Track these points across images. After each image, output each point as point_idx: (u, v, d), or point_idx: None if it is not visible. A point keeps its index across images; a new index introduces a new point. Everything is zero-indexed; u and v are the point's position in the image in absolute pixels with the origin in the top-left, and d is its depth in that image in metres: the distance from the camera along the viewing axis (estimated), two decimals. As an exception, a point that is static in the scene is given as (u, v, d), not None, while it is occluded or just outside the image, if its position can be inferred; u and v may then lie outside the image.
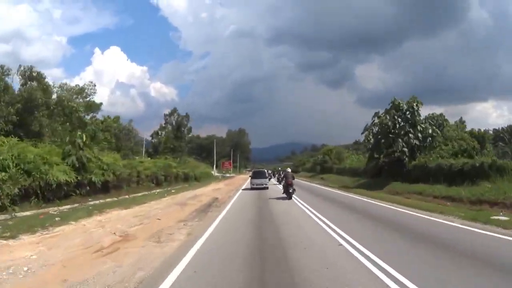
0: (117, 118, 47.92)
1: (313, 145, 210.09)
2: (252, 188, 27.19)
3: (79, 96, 38.78)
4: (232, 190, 29.44)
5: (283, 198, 20.64)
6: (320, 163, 66.29)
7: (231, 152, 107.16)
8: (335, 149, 67.44)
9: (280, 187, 26.06)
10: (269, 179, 37.22)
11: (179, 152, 66.05)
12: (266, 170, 36.38)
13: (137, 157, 37.96)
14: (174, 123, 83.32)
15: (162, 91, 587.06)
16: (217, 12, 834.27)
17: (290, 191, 20.42)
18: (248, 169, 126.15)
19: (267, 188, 27.42)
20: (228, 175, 64.74)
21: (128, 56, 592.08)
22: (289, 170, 23.23)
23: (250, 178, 30.22)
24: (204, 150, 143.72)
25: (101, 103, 41.46)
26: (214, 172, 63.70)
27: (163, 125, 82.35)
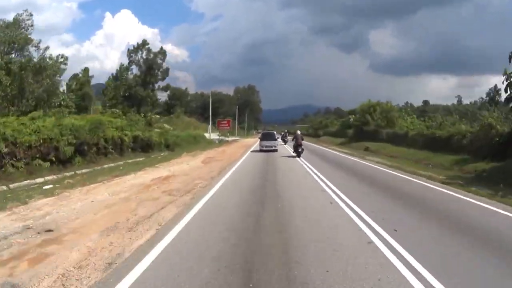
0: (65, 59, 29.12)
1: (327, 108, 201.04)
2: (261, 150, 26.79)
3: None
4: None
5: (293, 157, 23.67)
6: (357, 124, 45.83)
7: (236, 110, 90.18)
8: (381, 106, 44.07)
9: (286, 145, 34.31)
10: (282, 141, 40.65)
11: (148, 106, 48.84)
12: (275, 132, 33.11)
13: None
14: (142, 63, 54.96)
15: (173, 53, 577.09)
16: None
17: (300, 150, 23.59)
18: (259, 130, 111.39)
19: (276, 150, 26.93)
20: (228, 139, 48.27)
21: (139, 19, 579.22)
22: (299, 132, 25.91)
23: (259, 140, 29.35)
24: (208, 110, 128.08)
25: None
26: (210, 135, 47.70)
27: (127, 65, 52.99)
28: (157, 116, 47.19)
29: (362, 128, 42.69)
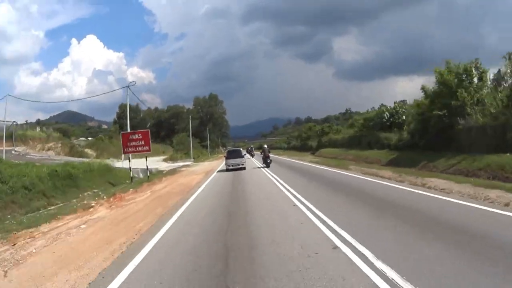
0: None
1: (297, 118, 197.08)
2: (227, 170, 23.99)
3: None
4: None
5: (262, 167, 25.27)
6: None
7: (189, 121, 68.84)
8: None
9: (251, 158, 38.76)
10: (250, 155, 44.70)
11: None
12: (241, 149, 29.87)
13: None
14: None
15: (139, 75, 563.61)
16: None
17: (268, 161, 25.52)
18: (228, 148, 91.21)
19: (244, 168, 24.13)
20: (165, 167, 26.99)
21: (104, 43, 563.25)
22: (265, 146, 29.28)
23: (225, 158, 26.60)
24: (163, 127, 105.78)
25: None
26: (127, 163, 26.23)
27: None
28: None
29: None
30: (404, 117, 26.75)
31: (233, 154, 26.15)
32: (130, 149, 20.36)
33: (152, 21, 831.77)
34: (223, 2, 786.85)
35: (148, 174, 22.62)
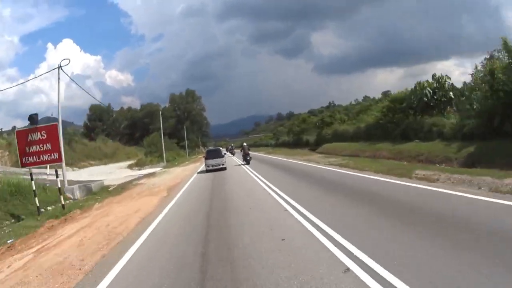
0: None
1: (278, 113, 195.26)
2: (207, 171, 22.57)
3: None
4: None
5: (243, 164, 25.61)
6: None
7: (159, 117, 58.84)
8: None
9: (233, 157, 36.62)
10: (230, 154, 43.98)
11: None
12: (220, 148, 29.18)
13: None
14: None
15: (118, 78, 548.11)
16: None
17: (248, 158, 26.20)
18: (210, 147, 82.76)
19: (225, 168, 22.66)
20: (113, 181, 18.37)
21: (81, 47, 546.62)
22: (245, 144, 29.40)
23: (204, 159, 24.92)
24: (138, 128, 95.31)
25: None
26: (49, 172, 17.31)
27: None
28: None
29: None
30: (451, 93, 19.00)
31: (213, 154, 24.63)
32: (31, 159, 11.49)
33: (128, 22, 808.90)
34: (199, 0, 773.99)
35: (76, 197, 13.77)
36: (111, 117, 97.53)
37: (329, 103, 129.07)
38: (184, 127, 75.75)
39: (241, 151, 33.32)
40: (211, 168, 22.82)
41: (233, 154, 47.02)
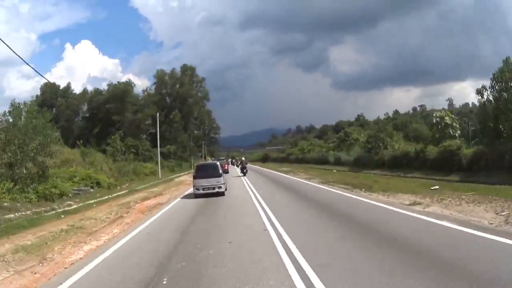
0: None
1: (298, 126, 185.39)
2: (195, 196, 16.16)
3: None
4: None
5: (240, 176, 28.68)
6: None
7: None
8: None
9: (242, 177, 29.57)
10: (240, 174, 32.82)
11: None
12: (217, 163, 20.04)
13: None
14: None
15: (135, 82, 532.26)
16: (186, 0, 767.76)
17: (245, 171, 29.93)
18: (221, 158, 62.68)
19: (223, 194, 16.30)
20: None
21: (99, 49, 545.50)
22: (243, 158, 35.18)
23: (193, 178, 18.52)
24: (100, 119, 59.85)
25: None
26: None
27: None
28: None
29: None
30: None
31: (206, 171, 17.67)
32: None
33: (148, 28, 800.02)
34: (220, 9, 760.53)
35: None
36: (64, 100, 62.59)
37: (358, 115, 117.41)
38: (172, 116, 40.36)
39: (238, 165, 40.38)
40: (201, 191, 16.32)
41: (243, 171, 30.82)
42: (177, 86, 58.44)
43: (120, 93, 52.40)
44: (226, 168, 31.63)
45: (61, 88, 65.09)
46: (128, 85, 53.95)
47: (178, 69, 63.72)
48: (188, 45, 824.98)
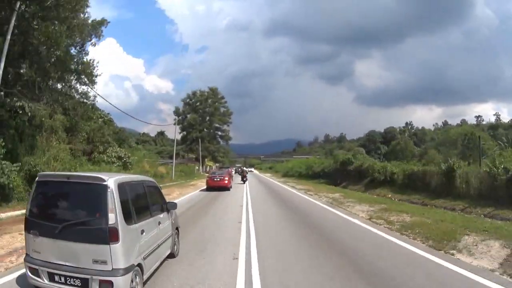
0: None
1: (326, 135, 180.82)
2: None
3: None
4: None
5: (241, 183, 32.47)
6: None
7: None
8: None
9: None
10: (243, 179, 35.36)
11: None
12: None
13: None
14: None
15: (157, 84, 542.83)
16: (213, 4, 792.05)
17: (244, 179, 33.95)
18: (238, 165, 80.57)
19: None
20: None
21: (124, 48, 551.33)
22: (244, 168, 47.25)
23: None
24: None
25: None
26: None
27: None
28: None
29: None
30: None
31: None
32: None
33: (173, 30, 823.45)
34: (246, 15, 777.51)
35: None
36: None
37: (406, 123, 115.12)
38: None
39: (240, 173, 43.07)
40: None
41: (243, 180, 34.13)
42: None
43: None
44: (226, 182, 23.97)
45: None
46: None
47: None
48: (212, 50, 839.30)
